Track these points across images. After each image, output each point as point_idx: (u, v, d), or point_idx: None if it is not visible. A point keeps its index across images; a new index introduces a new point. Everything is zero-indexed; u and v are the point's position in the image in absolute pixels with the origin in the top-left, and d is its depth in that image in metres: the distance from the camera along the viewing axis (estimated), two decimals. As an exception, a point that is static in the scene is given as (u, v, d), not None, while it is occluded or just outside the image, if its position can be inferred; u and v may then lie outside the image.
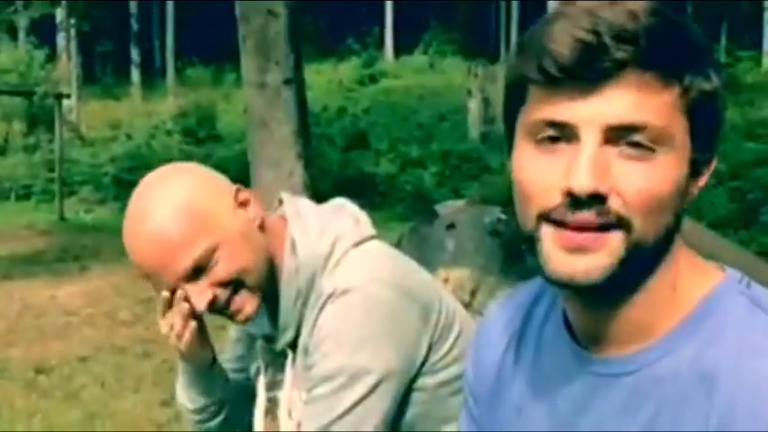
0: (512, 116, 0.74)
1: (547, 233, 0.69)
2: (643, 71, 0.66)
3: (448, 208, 2.31)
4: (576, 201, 0.67)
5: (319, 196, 1.31)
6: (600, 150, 0.67)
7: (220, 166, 1.75)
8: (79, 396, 4.09)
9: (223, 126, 13.44)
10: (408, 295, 1.15)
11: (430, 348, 1.17)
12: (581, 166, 0.66)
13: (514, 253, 2.00)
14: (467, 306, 1.96)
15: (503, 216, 2.08)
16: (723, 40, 19.90)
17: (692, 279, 0.74)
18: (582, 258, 0.68)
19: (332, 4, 21.26)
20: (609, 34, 0.65)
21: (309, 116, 6.01)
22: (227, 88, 16.70)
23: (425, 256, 1.99)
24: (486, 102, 11.42)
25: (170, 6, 20.84)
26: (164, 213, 1.11)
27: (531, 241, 0.71)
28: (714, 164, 0.74)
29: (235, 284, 1.14)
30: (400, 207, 9.28)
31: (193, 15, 21.34)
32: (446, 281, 1.92)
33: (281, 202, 1.26)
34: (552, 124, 0.69)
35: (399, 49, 20.91)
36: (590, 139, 0.67)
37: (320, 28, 20.71)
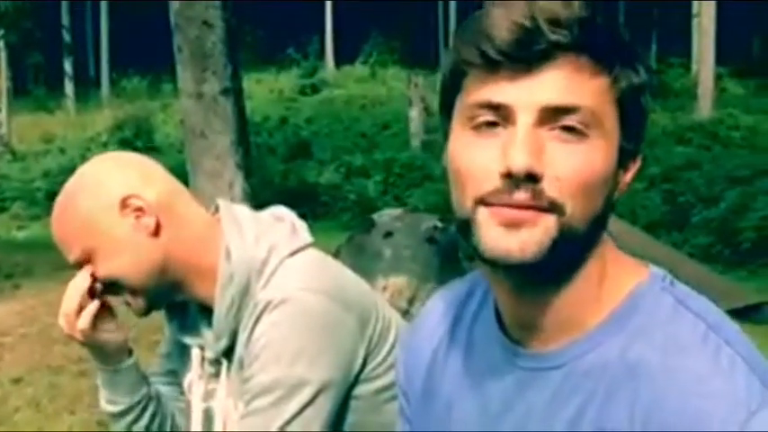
0: (448, 105, 0.76)
1: (482, 212, 0.71)
2: (577, 56, 0.70)
3: (384, 216, 2.30)
4: (510, 182, 0.69)
5: (261, 207, 1.30)
6: (535, 131, 0.69)
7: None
8: (12, 419, 3.94)
9: (161, 137, 13.23)
10: (344, 304, 1.15)
11: (366, 357, 1.17)
12: (517, 145, 0.68)
13: (451, 260, 2.01)
14: (405, 313, 1.96)
15: (439, 224, 2.08)
16: (654, 48, 20.57)
17: (618, 275, 0.75)
18: (517, 234, 0.69)
19: (271, 13, 21.15)
20: (544, 19, 0.68)
21: (250, 126, 5.95)
22: (165, 99, 16.44)
23: (364, 264, 1.98)
24: (426, 110, 11.53)
25: (104, 17, 20.41)
26: (59, 211, 1.20)
27: (465, 227, 0.72)
28: (640, 161, 0.77)
29: (115, 285, 1.19)
30: (344, 216, 9.28)
31: (128, 26, 20.94)
32: (385, 288, 1.91)
33: (217, 208, 1.25)
34: (489, 106, 0.70)
35: (340, 59, 20.93)
36: (525, 119, 0.69)
37: (259, 37, 20.58)
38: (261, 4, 20.62)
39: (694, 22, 16.29)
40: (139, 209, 1.17)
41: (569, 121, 0.69)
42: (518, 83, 0.69)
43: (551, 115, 0.69)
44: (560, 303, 0.74)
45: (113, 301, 1.23)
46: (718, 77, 14.16)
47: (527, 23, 0.68)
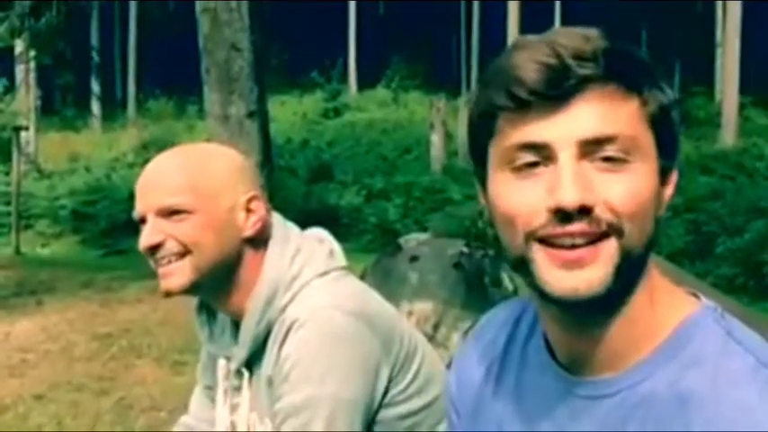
0: (480, 150, 0.76)
1: (539, 252, 0.71)
2: (604, 84, 0.71)
3: (411, 241, 2.32)
4: (563, 216, 0.69)
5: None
6: (578, 165, 0.70)
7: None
8: (34, 436, 3.96)
9: (185, 158, 13.30)
10: (370, 325, 1.16)
11: (390, 380, 1.18)
12: (565, 181, 0.69)
13: (477, 286, 2.01)
14: (430, 339, 1.97)
15: (465, 249, 2.10)
16: (677, 76, 20.50)
17: (670, 304, 0.76)
18: (580, 273, 0.70)
19: (296, 38, 21.40)
20: (569, 55, 0.70)
21: (273, 148, 6.01)
22: (190, 120, 16.63)
23: (389, 288, 1.99)
24: (448, 134, 11.56)
25: (132, 38, 20.77)
26: (184, 159, 1.21)
27: (520, 265, 0.73)
28: (676, 174, 0.78)
29: (184, 251, 1.17)
30: (364, 239, 9.28)
31: (155, 47, 21.28)
32: (410, 314, 1.92)
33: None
34: (527, 147, 0.71)
35: (363, 83, 21.08)
36: (567, 155, 0.70)
37: (284, 61, 20.80)
38: (286, 28, 20.88)
39: (718, 50, 16.25)
40: (254, 212, 1.21)
41: (609, 151, 0.70)
42: (553, 120, 0.70)
43: (591, 147, 0.70)
44: (613, 334, 0.75)
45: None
46: (741, 106, 14.07)
47: (553, 62, 0.70)
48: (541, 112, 0.70)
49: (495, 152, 0.74)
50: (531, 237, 0.71)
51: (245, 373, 1.22)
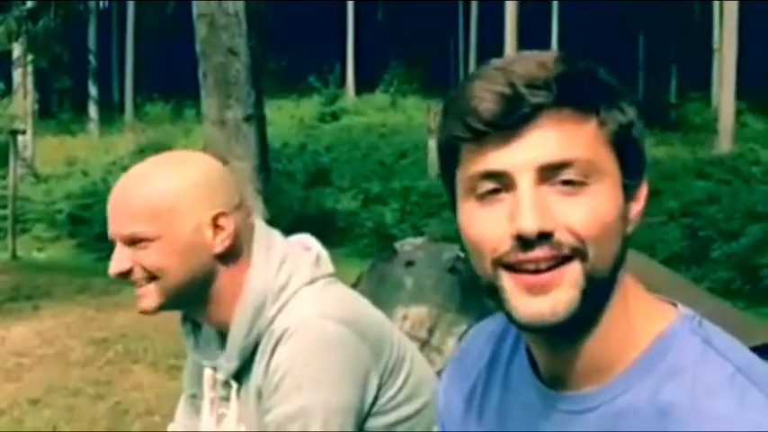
0: (449, 178, 0.78)
1: (505, 278, 0.72)
2: (559, 110, 0.71)
3: (407, 245, 2.32)
4: (525, 243, 0.70)
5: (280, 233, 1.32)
6: (537, 190, 0.71)
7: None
8: (29, 441, 3.95)
9: (183, 162, 13.28)
10: (360, 333, 1.16)
11: (380, 387, 1.18)
12: (523, 208, 0.70)
13: (472, 290, 2.01)
14: (425, 343, 1.97)
15: (461, 254, 2.10)
16: (674, 82, 20.54)
17: (647, 316, 0.76)
18: (545, 298, 0.71)
19: (294, 42, 21.41)
20: (523, 84, 0.71)
21: (270, 152, 6.01)
22: (187, 124, 16.62)
23: (384, 293, 2.00)
24: (445, 139, 11.55)
25: (129, 42, 20.77)
26: (146, 181, 1.17)
27: (492, 291, 0.74)
28: (646, 189, 0.78)
29: (152, 276, 1.17)
30: (361, 243, 9.28)
31: (153, 51, 21.28)
32: (405, 318, 1.92)
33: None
34: (488, 176, 0.73)
35: (360, 87, 21.10)
36: (526, 181, 0.71)
37: (282, 65, 20.81)
38: (284, 33, 20.89)
39: (715, 56, 16.29)
40: (223, 228, 1.17)
41: (567, 175, 0.71)
42: (510, 148, 0.71)
43: (549, 173, 0.71)
44: (590, 349, 0.75)
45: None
46: (738, 112, 14.09)
47: (507, 91, 0.71)
48: (499, 141, 0.71)
49: (460, 181, 0.76)
50: (498, 263, 0.72)
51: (234, 385, 1.22)
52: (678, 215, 8.49)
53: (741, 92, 13.87)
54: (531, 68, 0.72)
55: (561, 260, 0.70)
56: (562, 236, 0.70)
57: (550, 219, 0.70)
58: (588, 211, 0.71)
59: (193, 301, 1.21)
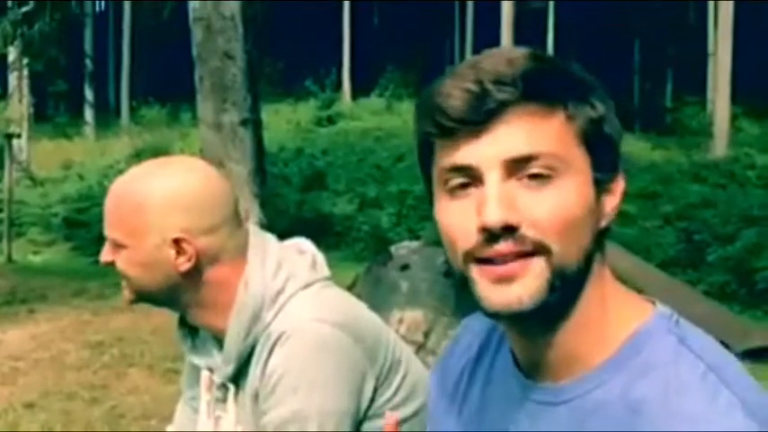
0: (427, 173, 0.80)
1: (475, 270, 0.73)
2: (525, 105, 0.73)
3: (402, 249, 2.32)
4: (491, 235, 0.72)
5: (275, 236, 1.32)
6: (503, 185, 0.72)
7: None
8: (24, 444, 3.94)
9: (179, 166, 13.27)
10: (355, 336, 1.16)
11: (375, 390, 1.18)
12: (488, 201, 0.72)
13: (467, 293, 2.01)
14: (421, 346, 1.97)
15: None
16: (669, 86, 20.61)
17: (624, 312, 0.77)
18: (511, 287, 0.72)
19: (290, 46, 21.44)
20: (489, 80, 0.72)
21: (266, 156, 6.02)
22: (183, 128, 16.60)
23: (380, 296, 2.00)
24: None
25: (125, 46, 20.76)
26: (128, 192, 1.21)
27: (465, 283, 0.75)
28: (622, 183, 0.79)
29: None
30: (357, 247, 9.29)
31: (149, 55, 21.27)
32: (401, 321, 1.92)
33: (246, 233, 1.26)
34: (457, 169, 0.74)
35: (357, 92, 21.12)
36: (492, 175, 0.73)
37: (278, 69, 20.82)
38: (281, 37, 20.92)
39: (710, 60, 16.34)
40: (185, 251, 1.18)
41: (533, 168, 0.73)
42: (477, 143, 0.73)
43: (515, 166, 0.73)
44: (563, 340, 0.76)
45: None
46: (733, 116, 14.15)
47: (474, 88, 0.72)
48: (467, 137, 0.73)
49: (435, 175, 0.78)
50: (469, 257, 0.73)
51: (231, 387, 1.22)
52: (674, 219, 8.52)
53: (736, 96, 13.92)
54: (499, 65, 0.74)
55: (525, 255, 0.72)
56: (527, 230, 0.71)
57: (515, 212, 0.71)
58: (553, 205, 0.72)
59: (176, 303, 1.23)
